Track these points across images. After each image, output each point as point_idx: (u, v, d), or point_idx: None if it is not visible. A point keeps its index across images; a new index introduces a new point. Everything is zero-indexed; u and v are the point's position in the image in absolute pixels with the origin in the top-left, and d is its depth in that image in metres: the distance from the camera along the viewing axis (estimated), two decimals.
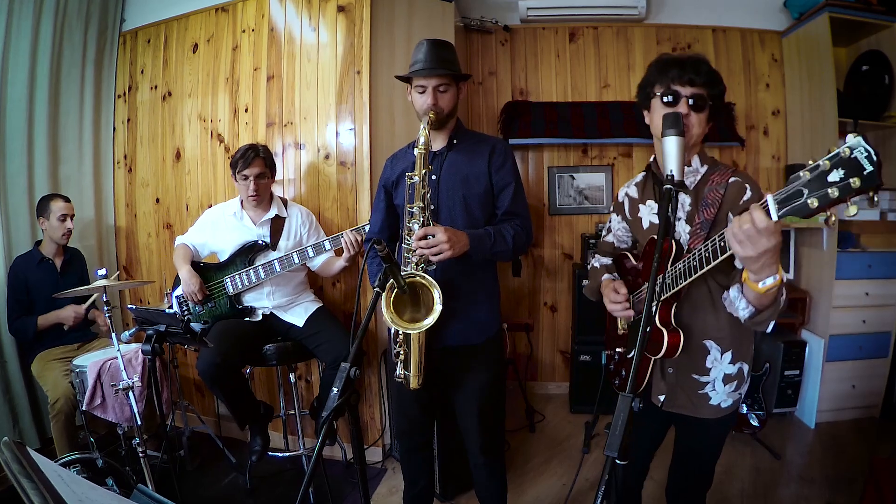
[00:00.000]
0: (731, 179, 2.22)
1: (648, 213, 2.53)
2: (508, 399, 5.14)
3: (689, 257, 2.05)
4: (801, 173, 1.48)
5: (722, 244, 1.88)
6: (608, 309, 2.58)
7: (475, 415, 3.06)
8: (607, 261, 2.84)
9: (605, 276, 2.72)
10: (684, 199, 2.34)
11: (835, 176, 1.38)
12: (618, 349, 2.74)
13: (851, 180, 1.36)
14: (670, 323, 2.27)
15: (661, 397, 2.51)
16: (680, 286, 2.13)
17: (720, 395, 2.42)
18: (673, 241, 2.25)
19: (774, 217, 1.59)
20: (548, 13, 5.80)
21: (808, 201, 1.45)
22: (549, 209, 6.13)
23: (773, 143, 5.84)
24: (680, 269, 2.11)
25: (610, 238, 2.88)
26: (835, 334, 5.04)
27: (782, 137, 5.81)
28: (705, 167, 2.37)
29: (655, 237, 2.28)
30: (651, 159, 2.56)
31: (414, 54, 2.93)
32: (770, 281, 1.84)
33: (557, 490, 4.26)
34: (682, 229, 2.33)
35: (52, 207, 4.32)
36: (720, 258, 1.91)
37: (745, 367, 2.44)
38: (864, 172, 1.35)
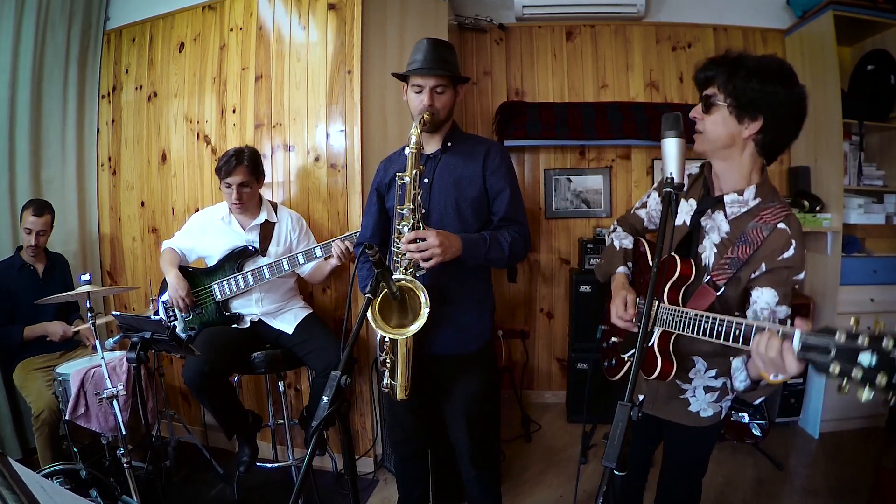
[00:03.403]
0: (780, 226, 2.12)
1: (685, 212, 2.45)
2: (504, 408, 5.17)
3: (706, 320, 2.00)
4: (838, 333, 1.46)
5: (737, 334, 1.85)
6: (612, 319, 2.56)
7: (464, 426, 3.09)
8: (628, 243, 2.80)
9: (621, 269, 2.70)
10: (721, 223, 2.28)
11: (866, 359, 1.37)
12: (613, 338, 2.78)
13: (879, 376, 1.36)
14: (667, 351, 2.28)
15: (641, 397, 2.54)
16: (684, 333, 2.12)
17: (700, 402, 2.45)
18: (693, 266, 2.26)
19: (795, 350, 1.59)
20: (544, 11, 5.82)
21: (831, 366, 1.45)
22: (546, 213, 6.16)
23: None
24: (692, 319, 2.07)
25: (642, 213, 2.85)
26: None
27: None
28: (757, 200, 2.23)
29: (675, 255, 2.30)
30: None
31: (413, 53, 2.94)
32: (782, 376, 1.80)
33: (554, 502, 4.28)
34: (710, 250, 2.30)
35: (23, 217, 4.34)
36: (731, 344, 1.89)
37: (730, 384, 2.41)
38: (895, 378, 1.34)
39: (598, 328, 2.95)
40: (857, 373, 1.38)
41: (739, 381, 2.08)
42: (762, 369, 1.74)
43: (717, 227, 2.30)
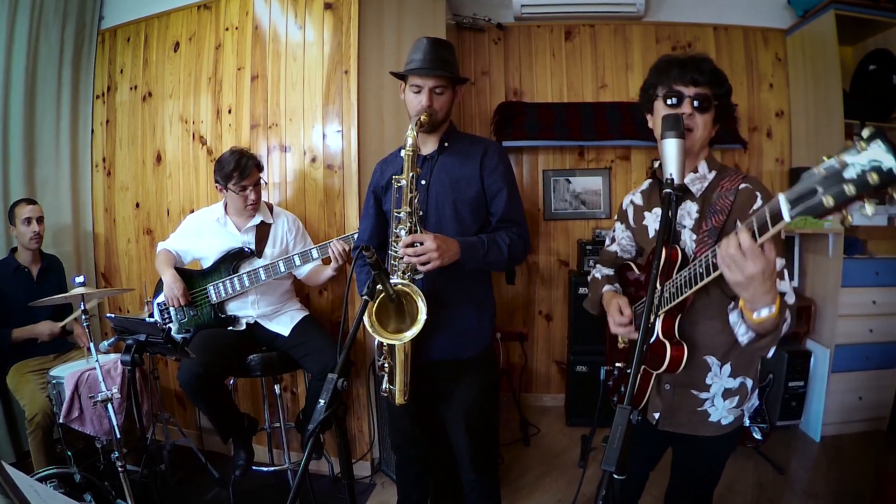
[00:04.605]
0: (742, 186, 2.20)
1: (654, 221, 2.51)
2: (502, 411, 5.18)
3: (694, 265, 2.04)
4: (814, 170, 1.43)
5: (715, 261, 1.87)
6: (611, 329, 2.56)
7: (464, 431, 3.08)
8: (609, 271, 2.84)
9: (607, 287, 2.71)
10: (691, 208, 2.33)
11: (851, 172, 1.33)
12: (618, 364, 2.73)
13: (869, 175, 1.31)
14: (674, 336, 2.27)
15: (657, 414, 2.49)
16: (684, 295, 2.11)
17: (720, 411, 2.39)
18: (679, 250, 2.26)
19: (787, 217, 1.54)
20: (543, 10, 5.84)
21: (823, 199, 1.40)
22: (544, 214, 6.17)
23: (776, 146, 5.88)
24: (685, 277, 2.09)
25: (613, 248, 2.85)
26: (841, 344, 5.07)
27: (786, 139, 5.86)
28: (713, 173, 2.35)
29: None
30: (656, 165, 2.51)
31: (411, 52, 2.93)
32: (765, 312, 1.85)
33: None
34: (689, 237, 2.32)
35: (17, 212, 4.35)
36: (712, 275, 1.91)
37: (749, 382, 2.41)
38: (883, 167, 1.29)
39: (602, 368, 2.93)
40: (850, 189, 1.34)
41: (741, 334, 2.08)
42: (728, 277, 1.78)
43: (686, 213, 2.35)
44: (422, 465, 3.44)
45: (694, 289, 2.06)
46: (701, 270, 2.00)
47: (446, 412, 3.12)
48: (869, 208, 1.35)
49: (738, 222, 2.13)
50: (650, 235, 2.54)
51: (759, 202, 2.15)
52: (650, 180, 2.65)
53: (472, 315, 3.03)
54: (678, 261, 2.25)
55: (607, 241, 2.93)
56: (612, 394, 2.78)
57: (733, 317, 2.11)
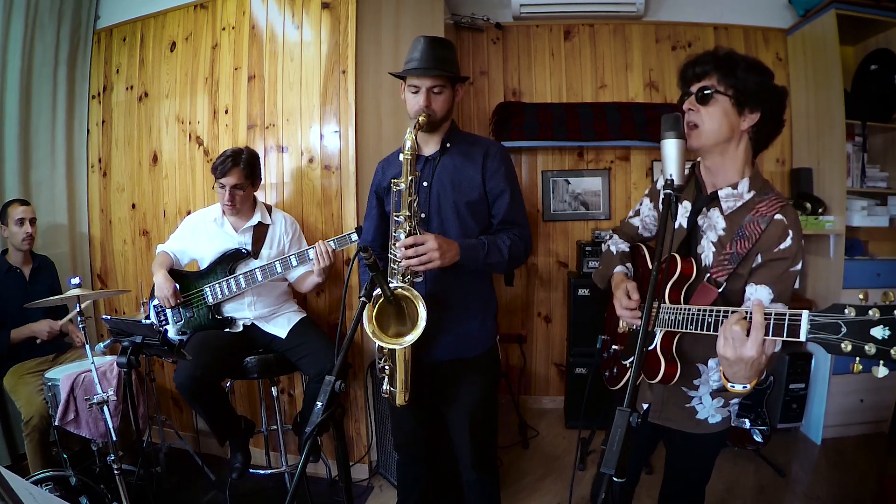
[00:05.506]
0: (776, 217, 2.11)
1: (681, 214, 2.44)
2: (501, 413, 5.15)
3: (709, 312, 2.00)
4: (847, 308, 1.43)
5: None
6: (617, 311, 2.56)
7: (466, 431, 3.08)
8: (625, 247, 2.83)
9: (619, 268, 2.71)
10: (717, 221, 2.29)
11: (878, 332, 1.34)
12: (614, 346, 2.76)
13: (893, 350, 1.34)
14: (671, 352, 2.27)
15: (645, 405, 2.54)
16: (686, 332, 2.11)
17: (707, 409, 2.43)
18: (694, 265, 2.26)
19: (802, 337, 1.54)
20: (542, 10, 5.85)
21: (843, 343, 1.41)
22: (543, 215, 6.18)
23: (777, 146, 5.85)
24: (694, 315, 2.06)
25: (636, 221, 2.85)
26: None
27: (787, 140, 5.87)
28: (752, 193, 2.23)
29: (675, 255, 2.28)
30: (696, 159, 2.47)
31: (410, 51, 2.92)
32: (738, 388, 1.87)
33: None
34: (708, 248, 2.30)
35: (10, 213, 4.35)
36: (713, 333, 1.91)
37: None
38: None
39: (598, 338, 2.93)
40: (870, 348, 1.35)
41: (713, 380, 2.14)
42: (720, 349, 1.80)
43: (713, 225, 2.31)
44: (423, 466, 3.44)
45: (696, 332, 2.05)
46: (710, 321, 1.98)
47: (449, 412, 3.13)
48: (882, 371, 1.36)
49: (760, 256, 2.13)
50: (674, 227, 2.49)
51: (788, 241, 2.09)
52: (689, 169, 2.58)
53: (474, 317, 3.03)
54: (692, 276, 2.25)
55: (631, 213, 2.91)
56: (604, 369, 2.83)
57: (712, 363, 2.16)
